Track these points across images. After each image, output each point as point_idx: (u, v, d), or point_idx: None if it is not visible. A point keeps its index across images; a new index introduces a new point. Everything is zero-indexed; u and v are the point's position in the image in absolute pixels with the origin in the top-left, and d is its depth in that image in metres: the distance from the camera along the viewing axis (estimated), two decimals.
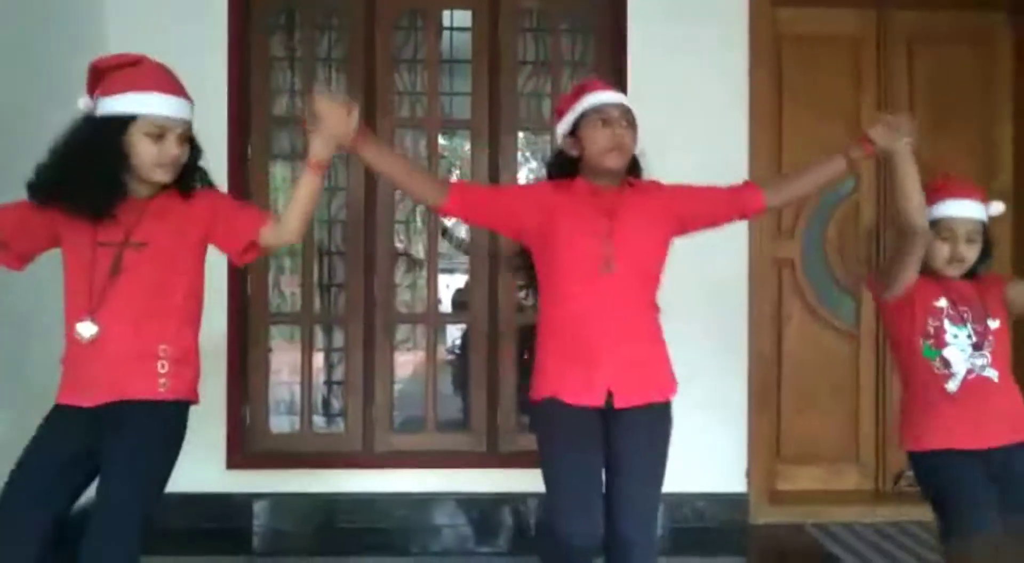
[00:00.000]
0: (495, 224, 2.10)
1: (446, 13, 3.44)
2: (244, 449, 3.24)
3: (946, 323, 1.94)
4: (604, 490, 1.91)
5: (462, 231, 3.32)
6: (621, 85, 3.25)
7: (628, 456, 1.89)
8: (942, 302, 1.97)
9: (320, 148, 1.76)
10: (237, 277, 3.18)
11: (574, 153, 1.93)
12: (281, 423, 3.51)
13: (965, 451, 1.87)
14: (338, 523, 3.12)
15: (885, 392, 3.52)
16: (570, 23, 3.44)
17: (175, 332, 1.73)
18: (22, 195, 1.71)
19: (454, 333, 4.96)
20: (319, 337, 3.55)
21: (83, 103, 1.72)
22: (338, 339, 3.60)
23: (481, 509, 3.21)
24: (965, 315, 1.96)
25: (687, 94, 3.23)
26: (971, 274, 2.03)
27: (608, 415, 1.87)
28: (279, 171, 3.48)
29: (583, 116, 1.91)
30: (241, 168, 3.21)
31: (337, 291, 3.42)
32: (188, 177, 1.75)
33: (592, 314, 1.85)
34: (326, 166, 1.79)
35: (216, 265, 3.07)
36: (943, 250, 1.98)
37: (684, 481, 3.24)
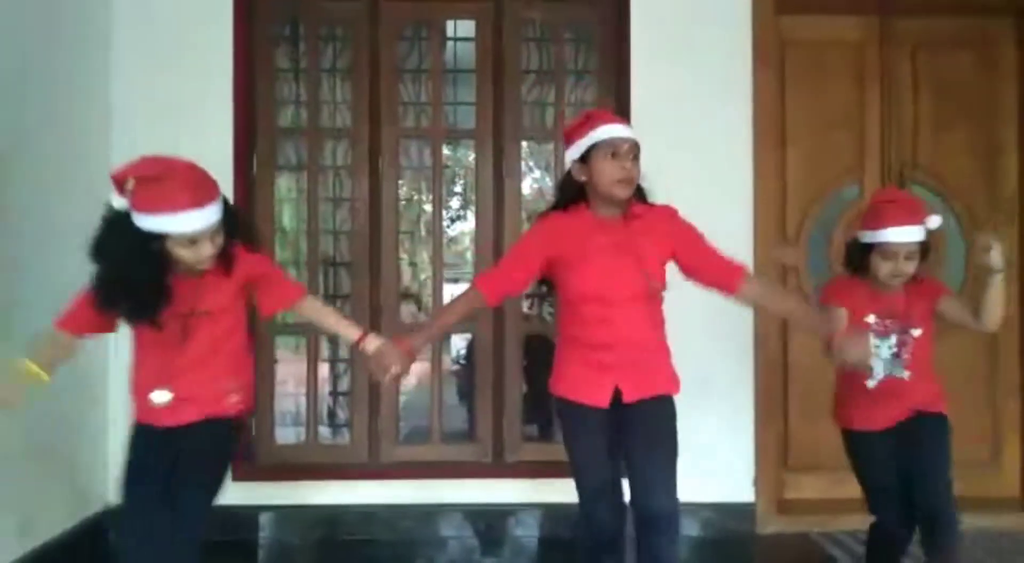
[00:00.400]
0: (530, 281, 2.23)
1: (450, 23, 3.46)
2: (250, 461, 3.24)
3: (871, 337, 2.22)
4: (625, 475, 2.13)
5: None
6: (624, 94, 3.26)
7: (640, 438, 2.09)
8: (870, 319, 2.28)
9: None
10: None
11: (582, 178, 2.10)
12: (287, 434, 3.50)
13: (881, 431, 2.31)
14: (343, 535, 3.12)
15: None
16: (573, 32, 3.45)
17: (237, 368, 2.04)
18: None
19: (459, 344, 4.95)
20: (324, 348, 3.55)
21: (117, 203, 1.81)
22: (343, 350, 3.60)
23: (487, 520, 3.20)
24: (890, 327, 2.29)
25: (691, 102, 3.23)
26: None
27: (617, 411, 2.08)
28: (284, 182, 3.48)
29: (595, 146, 2.06)
30: (246, 180, 3.22)
31: (342, 302, 3.42)
32: (227, 254, 1.93)
33: (605, 330, 2.08)
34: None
35: None
36: (885, 267, 2.25)
37: (692, 491, 3.22)
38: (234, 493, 3.15)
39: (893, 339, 2.30)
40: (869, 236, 2.26)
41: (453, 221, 7.78)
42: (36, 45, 2.71)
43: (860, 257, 2.30)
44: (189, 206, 1.77)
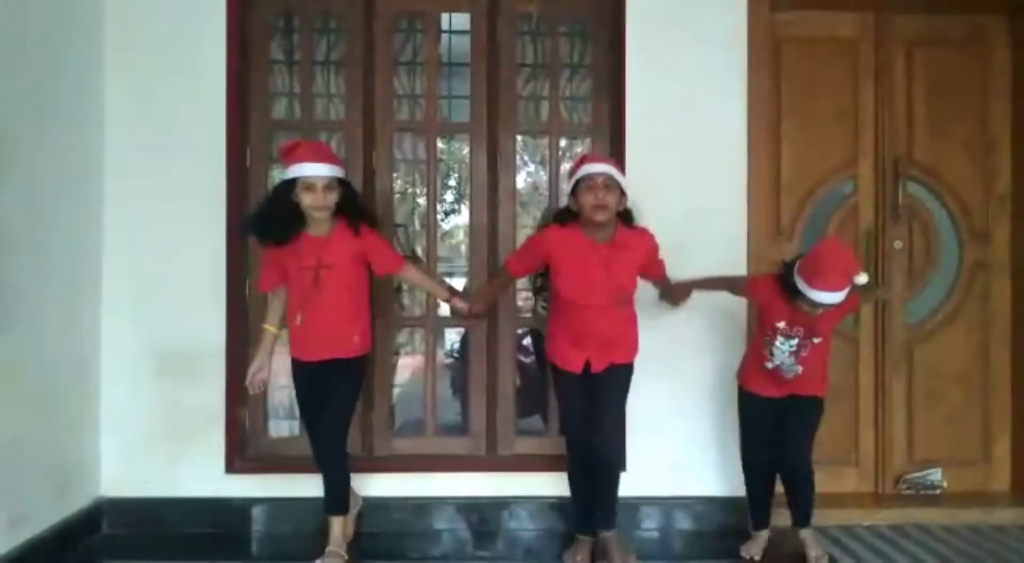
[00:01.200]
0: (537, 267, 2.92)
1: (445, 16, 3.45)
2: (243, 453, 3.24)
3: (778, 338, 2.74)
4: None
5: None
6: (618, 88, 3.26)
7: (598, 396, 2.75)
8: (781, 324, 2.73)
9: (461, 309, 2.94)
10: (236, 281, 3.18)
11: (574, 208, 2.70)
12: (280, 427, 3.50)
13: (766, 397, 2.87)
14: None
15: (884, 395, 3.52)
16: (568, 26, 3.44)
17: (357, 318, 2.79)
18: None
19: (453, 338, 4.95)
20: None
21: (279, 174, 2.78)
22: None
23: (480, 513, 3.21)
24: (796, 333, 2.72)
25: (685, 96, 3.23)
26: None
27: (588, 376, 2.76)
28: (278, 175, 3.46)
29: (578, 182, 2.66)
30: (240, 173, 3.20)
31: None
32: (351, 217, 2.72)
33: (582, 323, 2.73)
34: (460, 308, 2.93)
35: (214, 270, 3.11)
36: (807, 308, 2.64)
37: (683, 485, 3.26)
38: (227, 485, 3.17)
39: (795, 342, 2.73)
40: (802, 285, 2.59)
41: (447, 214, 7.78)
42: (30, 40, 2.69)
43: (793, 287, 2.62)
44: (310, 159, 2.62)
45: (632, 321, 2.83)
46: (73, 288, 2.97)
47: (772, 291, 2.73)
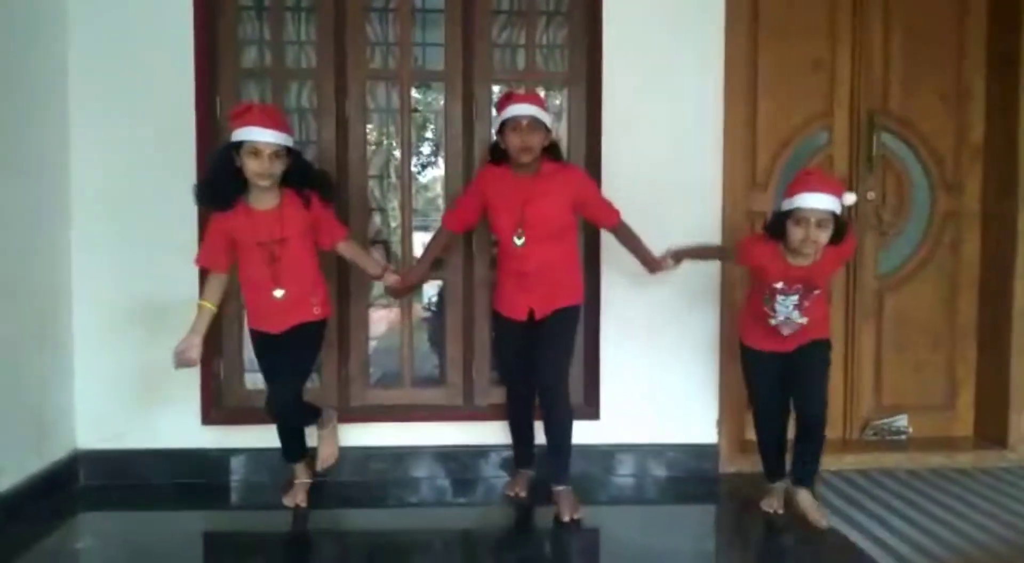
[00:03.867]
0: (478, 217, 2.93)
1: None
2: (219, 405, 3.25)
3: (778, 297, 2.65)
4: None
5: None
6: (596, 36, 3.21)
7: (543, 340, 2.78)
8: (779, 284, 2.64)
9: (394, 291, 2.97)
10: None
11: (503, 146, 2.75)
12: (256, 379, 3.48)
13: (769, 351, 2.77)
14: (316, 476, 3.14)
15: (853, 343, 3.59)
16: None
17: (314, 286, 2.77)
18: None
19: (430, 291, 4.94)
20: None
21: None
22: None
23: (458, 461, 3.25)
24: (795, 290, 2.63)
25: (662, 47, 3.20)
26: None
27: (532, 325, 2.84)
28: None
29: (504, 122, 2.71)
30: (210, 126, 3.13)
31: None
32: (300, 188, 2.67)
33: (519, 262, 2.79)
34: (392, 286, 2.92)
35: (185, 220, 3.07)
36: (797, 233, 2.51)
37: (656, 432, 3.31)
38: (205, 436, 3.18)
39: (795, 298, 2.65)
40: (787, 203, 2.53)
41: (424, 167, 7.68)
42: None
43: (778, 225, 2.56)
44: (257, 123, 2.52)
45: (573, 262, 2.87)
46: (43, 239, 2.93)
47: (763, 251, 2.66)
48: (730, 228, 3.23)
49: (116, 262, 3.10)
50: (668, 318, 3.29)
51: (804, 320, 2.66)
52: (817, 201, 2.47)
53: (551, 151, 2.78)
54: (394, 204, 3.46)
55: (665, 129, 3.20)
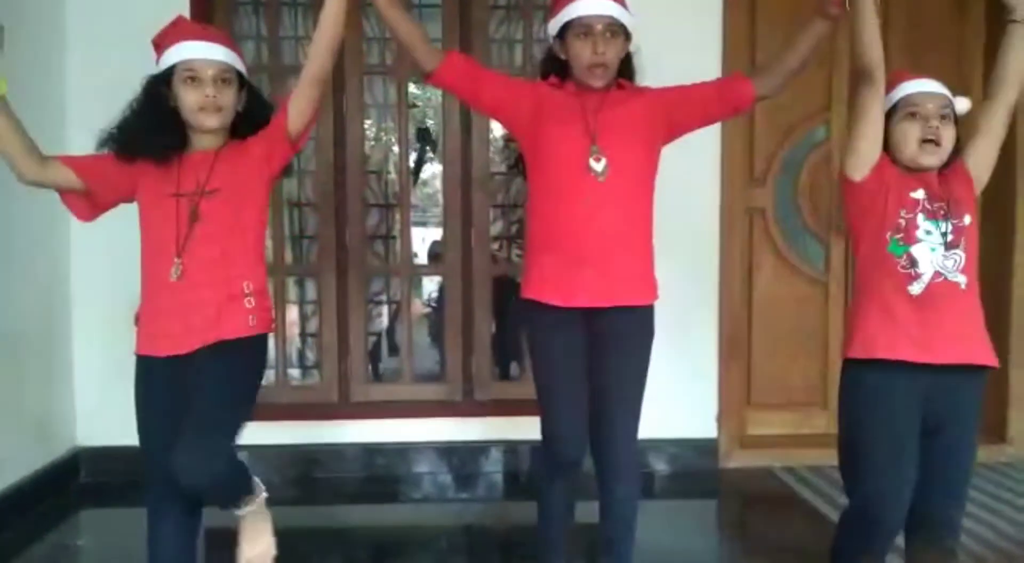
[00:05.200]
0: (483, 101, 1.98)
1: None
2: None
3: (920, 217, 1.69)
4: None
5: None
6: None
7: (608, 363, 1.98)
8: (919, 194, 1.72)
9: None
10: None
11: (563, 57, 1.91)
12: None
13: (909, 367, 1.67)
14: (316, 473, 3.15)
15: None
16: None
17: (253, 268, 1.81)
18: None
19: (430, 287, 4.96)
20: (292, 290, 3.52)
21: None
22: (311, 292, 3.58)
23: (458, 457, 3.25)
24: (941, 211, 1.71)
25: (661, 41, 3.10)
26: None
27: (590, 317, 1.90)
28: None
29: (568, 26, 1.86)
30: None
31: (308, 243, 3.38)
32: (244, 126, 1.81)
33: (580, 218, 1.84)
34: None
35: None
36: (913, 131, 1.75)
37: (656, 427, 3.29)
38: None
39: (946, 226, 1.70)
40: (896, 93, 1.81)
41: (423, 163, 7.68)
42: None
43: (888, 135, 1.78)
44: (190, 36, 1.77)
45: (648, 230, 1.98)
46: (42, 235, 2.92)
47: (882, 159, 1.77)
48: (728, 225, 3.22)
49: (115, 258, 3.09)
50: (668, 312, 3.27)
51: (963, 278, 1.70)
52: (930, 86, 1.79)
53: (624, 67, 1.96)
54: (392, 199, 3.45)
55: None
